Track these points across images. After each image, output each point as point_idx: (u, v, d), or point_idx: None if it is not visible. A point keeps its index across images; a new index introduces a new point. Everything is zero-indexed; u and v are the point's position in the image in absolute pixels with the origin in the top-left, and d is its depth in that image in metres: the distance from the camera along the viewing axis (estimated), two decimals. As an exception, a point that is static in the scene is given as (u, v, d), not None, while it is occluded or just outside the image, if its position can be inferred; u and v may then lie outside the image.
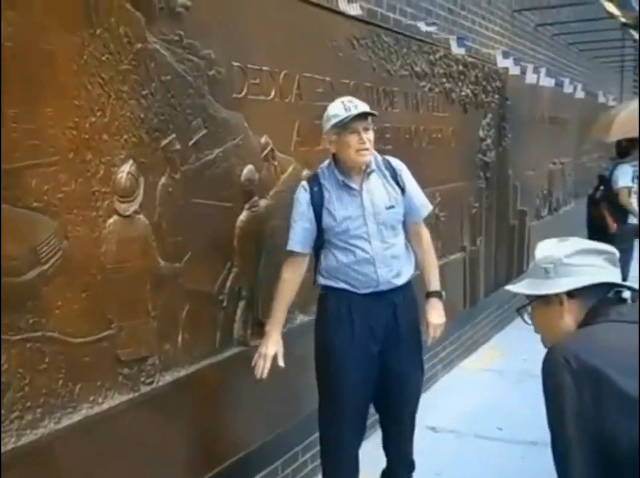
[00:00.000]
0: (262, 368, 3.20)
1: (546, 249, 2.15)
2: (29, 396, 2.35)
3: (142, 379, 2.84)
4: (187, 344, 3.06)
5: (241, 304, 3.39)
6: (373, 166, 3.24)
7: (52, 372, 2.42)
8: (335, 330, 3.22)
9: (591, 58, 10.94)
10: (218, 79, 3.12)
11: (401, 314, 3.25)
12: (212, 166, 3.13)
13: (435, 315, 3.39)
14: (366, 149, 3.13)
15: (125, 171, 2.66)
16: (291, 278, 3.27)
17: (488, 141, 6.64)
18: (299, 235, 3.24)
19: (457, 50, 5.20)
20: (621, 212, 7.36)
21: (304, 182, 3.29)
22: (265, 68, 3.45)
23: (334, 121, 3.13)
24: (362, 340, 3.19)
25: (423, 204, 3.40)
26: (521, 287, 2.17)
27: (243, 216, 3.37)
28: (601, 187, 7.63)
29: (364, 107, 3.15)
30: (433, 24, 4.66)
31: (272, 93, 3.52)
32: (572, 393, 1.79)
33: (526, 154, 7.74)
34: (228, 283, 3.30)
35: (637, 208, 7.34)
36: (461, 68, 5.79)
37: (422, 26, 4.67)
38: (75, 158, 2.45)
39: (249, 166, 3.37)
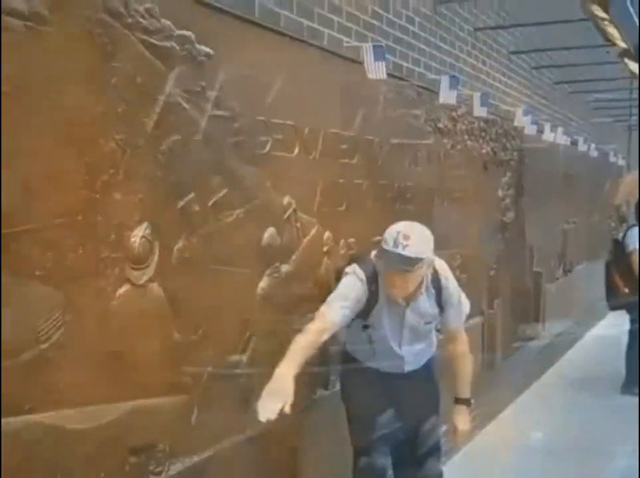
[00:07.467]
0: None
1: None
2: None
3: (151, 468, 2.52)
4: (201, 425, 2.74)
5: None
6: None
7: (46, 464, 2.11)
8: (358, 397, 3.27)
9: (602, 116, 10.80)
10: (241, 133, 2.86)
11: (419, 387, 3.29)
12: (232, 228, 2.86)
13: (462, 421, 3.39)
14: (397, 288, 3.04)
15: (138, 235, 2.38)
16: (311, 343, 2.93)
17: (507, 200, 6.41)
18: (339, 313, 3.01)
19: (478, 110, 4.99)
20: (635, 277, 7.02)
21: (362, 275, 3.07)
22: (289, 122, 3.19)
23: (383, 246, 2.96)
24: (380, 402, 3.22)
25: (458, 318, 3.34)
26: None
27: (263, 282, 3.08)
28: (614, 251, 7.35)
29: (416, 249, 2.90)
30: (457, 85, 4.41)
31: (296, 149, 3.26)
32: None
33: (542, 213, 7.49)
34: (247, 354, 3.00)
35: None
36: (482, 124, 5.58)
37: (446, 82, 4.43)
38: (83, 220, 2.17)
39: (271, 229, 3.10)
